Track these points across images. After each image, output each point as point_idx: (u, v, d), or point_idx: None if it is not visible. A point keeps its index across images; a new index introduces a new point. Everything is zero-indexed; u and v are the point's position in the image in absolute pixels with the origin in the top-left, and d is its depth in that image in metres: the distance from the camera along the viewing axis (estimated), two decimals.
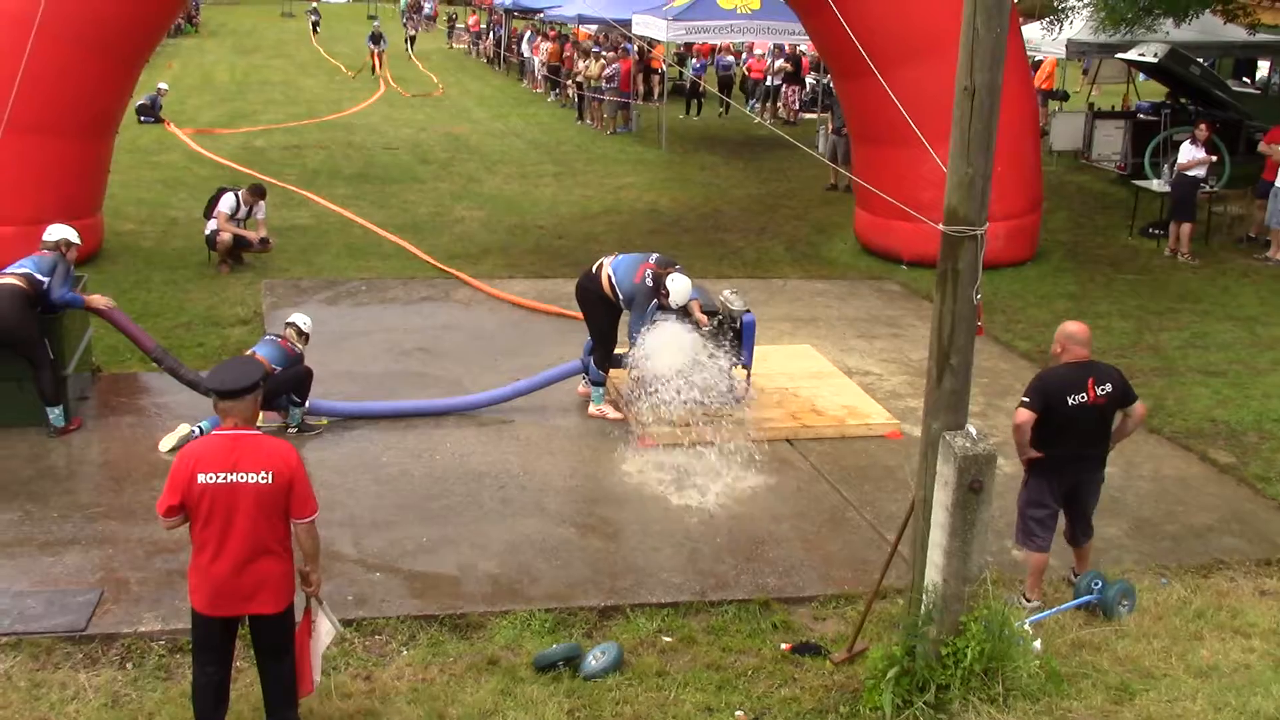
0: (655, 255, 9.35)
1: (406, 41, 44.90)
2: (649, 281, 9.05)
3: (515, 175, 20.20)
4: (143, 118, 24.22)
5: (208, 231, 13.48)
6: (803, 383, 10.16)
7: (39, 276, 8.90)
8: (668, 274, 9.02)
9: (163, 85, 25.77)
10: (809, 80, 28.70)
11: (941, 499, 5.65)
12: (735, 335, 9.44)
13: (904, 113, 8.67)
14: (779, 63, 28.41)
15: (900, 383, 10.59)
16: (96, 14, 12.24)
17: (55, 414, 8.97)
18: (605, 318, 9.39)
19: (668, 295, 8.97)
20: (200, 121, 25.25)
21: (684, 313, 9.20)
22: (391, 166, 20.68)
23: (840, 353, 11.11)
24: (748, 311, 9.52)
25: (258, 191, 13.65)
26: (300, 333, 9.25)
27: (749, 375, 9.67)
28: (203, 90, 31.23)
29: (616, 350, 9.64)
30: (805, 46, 27.30)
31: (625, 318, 9.39)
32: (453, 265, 13.84)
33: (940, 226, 5.63)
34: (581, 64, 27.47)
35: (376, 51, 36.58)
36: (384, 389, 9.99)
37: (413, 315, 12.10)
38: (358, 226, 15.76)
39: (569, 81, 29.28)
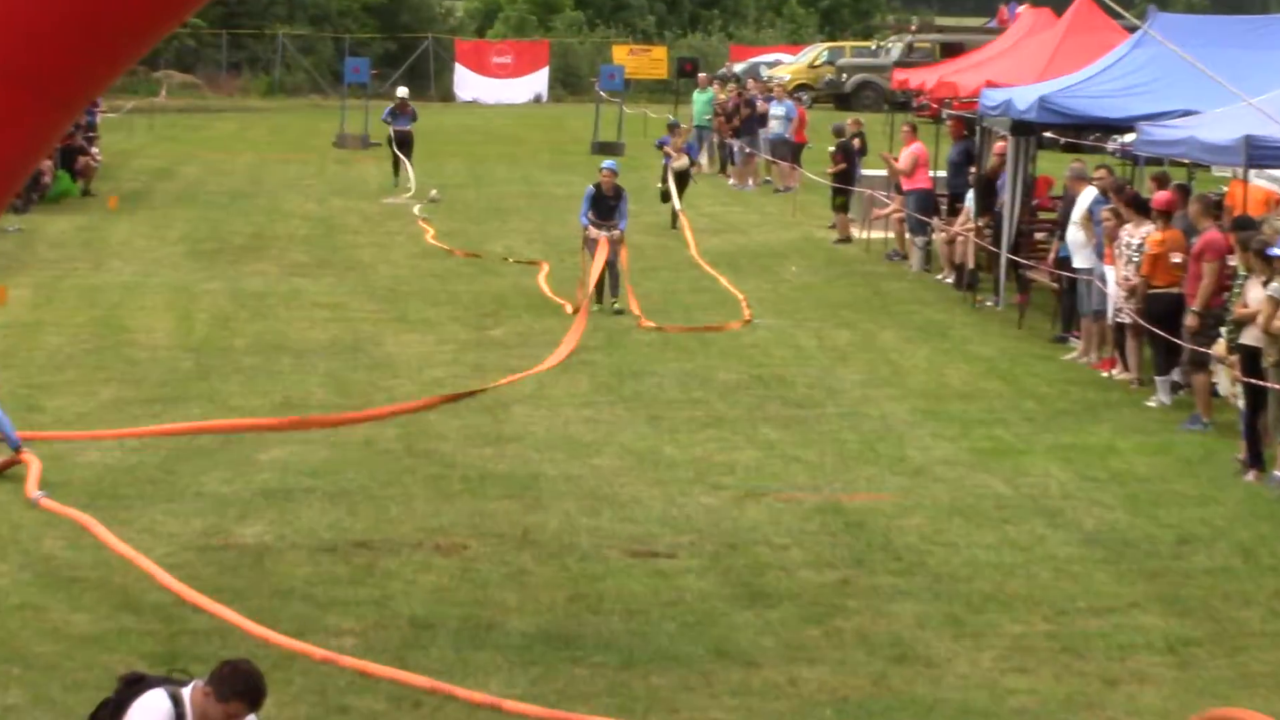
0: None
1: (666, 188, 43.91)
2: None
3: (1045, 659, 15.73)
4: None
5: None
6: None
7: None
8: None
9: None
10: None
11: None
12: None
13: None
14: None
15: None
16: None
17: None
18: None
19: None
20: (80, 482, 20.49)
21: None
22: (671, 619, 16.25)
23: None
24: None
25: (244, 692, 11.85)
26: None
27: None
28: (94, 370, 26.66)
29: None
30: None
31: None
32: None
33: None
34: (1251, 294, 23.33)
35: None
36: None
37: None
38: None
39: (1223, 354, 25.39)
